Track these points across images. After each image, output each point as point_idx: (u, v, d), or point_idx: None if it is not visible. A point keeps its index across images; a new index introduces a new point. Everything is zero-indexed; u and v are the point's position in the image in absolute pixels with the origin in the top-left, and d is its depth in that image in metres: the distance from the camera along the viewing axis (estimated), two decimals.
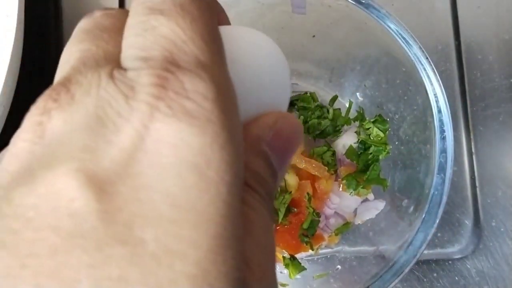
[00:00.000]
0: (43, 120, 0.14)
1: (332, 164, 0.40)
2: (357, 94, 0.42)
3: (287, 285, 0.39)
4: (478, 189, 0.45)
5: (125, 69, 0.14)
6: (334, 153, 0.41)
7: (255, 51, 0.17)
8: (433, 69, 0.33)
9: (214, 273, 0.12)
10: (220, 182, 0.13)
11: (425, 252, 0.33)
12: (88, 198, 0.12)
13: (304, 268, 0.39)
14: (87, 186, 0.12)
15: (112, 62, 0.15)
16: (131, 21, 0.15)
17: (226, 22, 0.19)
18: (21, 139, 0.14)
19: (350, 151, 0.40)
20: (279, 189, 0.38)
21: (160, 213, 0.12)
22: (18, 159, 0.13)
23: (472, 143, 0.45)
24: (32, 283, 0.11)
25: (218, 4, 0.18)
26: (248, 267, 0.14)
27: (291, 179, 0.39)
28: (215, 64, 0.14)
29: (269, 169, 0.17)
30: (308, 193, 0.38)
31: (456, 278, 0.43)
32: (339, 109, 0.42)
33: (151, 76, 0.13)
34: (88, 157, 0.13)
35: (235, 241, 0.13)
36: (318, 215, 0.39)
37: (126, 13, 0.16)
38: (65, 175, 0.12)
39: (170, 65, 0.14)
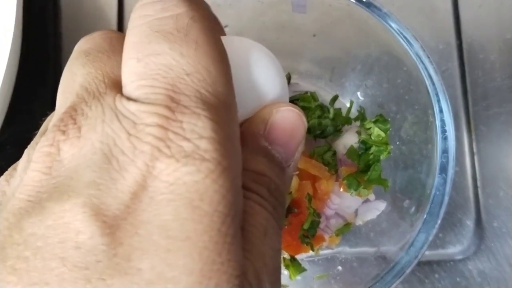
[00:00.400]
0: (52, 152, 0.14)
1: (332, 164, 0.40)
2: (358, 93, 0.42)
3: (288, 286, 0.39)
4: (479, 190, 0.44)
5: (127, 98, 0.15)
6: (334, 153, 0.40)
7: (249, 55, 0.18)
8: (434, 68, 0.32)
9: None
10: (213, 213, 0.13)
11: (427, 253, 0.33)
12: (93, 233, 0.13)
13: (304, 269, 0.39)
14: (92, 221, 0.13)
15: (112, 88, 0.15)
16: (131, 39, 0.16)
17: (222, 33, 0.19)
18: (31, 169, 0.15)
19: (350, 151, 0.40)
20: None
21: (156, 244, 0.13)
22: (27, 188, 0.14)
23: (474, 143, 0.45)
24: None
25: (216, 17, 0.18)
26: (245, 278, 0.14)
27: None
28: (216, 98, 0.15)
29: (271, 163, 0.17)
30: (308, 194, 0.38)
31: (458, 279, 0.43)
32: (340, 108, 0.42)
33: (153, 116, 0.14)
34: (93, 193, 0.13)
35: (230, 264, 0.13)
36: (319, 215, 0.39)
37: (124, 35, 0.17)
38: (72, 209, 0.13)
39: (171, 102, 0.14)
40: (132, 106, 0.14)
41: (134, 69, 0.15)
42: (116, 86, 0.16)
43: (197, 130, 0.14)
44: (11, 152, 0.43)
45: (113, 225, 0.13)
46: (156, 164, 0.14)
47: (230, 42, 0.17)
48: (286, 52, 0.43)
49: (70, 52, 0.17)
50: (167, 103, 0.14)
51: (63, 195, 0.13)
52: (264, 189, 0.16)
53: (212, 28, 0.16)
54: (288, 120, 0.18)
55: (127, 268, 0.13)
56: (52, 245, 0.13)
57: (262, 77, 0.18)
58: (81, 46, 0.17)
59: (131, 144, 0.14)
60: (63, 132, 0.14)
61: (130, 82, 0.15)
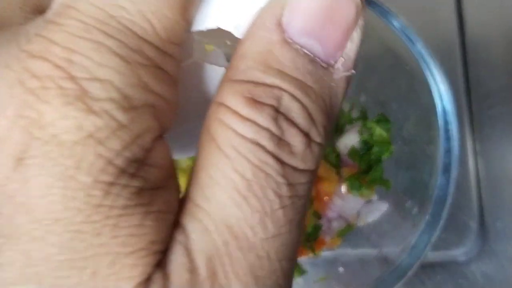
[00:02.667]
0: None
1: (336, 165, 0.40)
2: (360, 93, 0.42)
3: None
4: (483, 191, 0.44)
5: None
6: (338, 155, 0.40)
7: None
8: (437, 67, 0.32)
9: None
10: (93, 185, 0.10)
11: (429, 254, 0.33)
12: None
13: (305, 271, 0.39)
14: None
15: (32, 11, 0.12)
16: None
17: None
18: None
19: (352, 152, 0.40)
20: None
21: (21, 230, 0.10)
22: None
23: (477, 143, 0.45)
24: None
25: None
26: (184, 242, 0.12)
27: None
28: (144, 27, 0.11)
29: (291, 63, 0.12)
30: None
31: (460, 281, 0.43)
32: (341, 108, 0.42)
33: (40, 46, 0.11)
34: None
35: (114, 241, 0.10)
36: (319, 216, 0.39)
37: None
38: None
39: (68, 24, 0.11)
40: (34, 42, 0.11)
41: None
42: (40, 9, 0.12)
43: (90, 68, 0.10)
44: None
45: None
46: (28, 113, 0.10)
47: None
48: None
49: None
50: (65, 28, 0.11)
51: None
52: (263, 112, 0.12)
53: None
54: None
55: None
56: None
57: None
58: None
59: (10, 90, 0.10)
60: None
61: None
